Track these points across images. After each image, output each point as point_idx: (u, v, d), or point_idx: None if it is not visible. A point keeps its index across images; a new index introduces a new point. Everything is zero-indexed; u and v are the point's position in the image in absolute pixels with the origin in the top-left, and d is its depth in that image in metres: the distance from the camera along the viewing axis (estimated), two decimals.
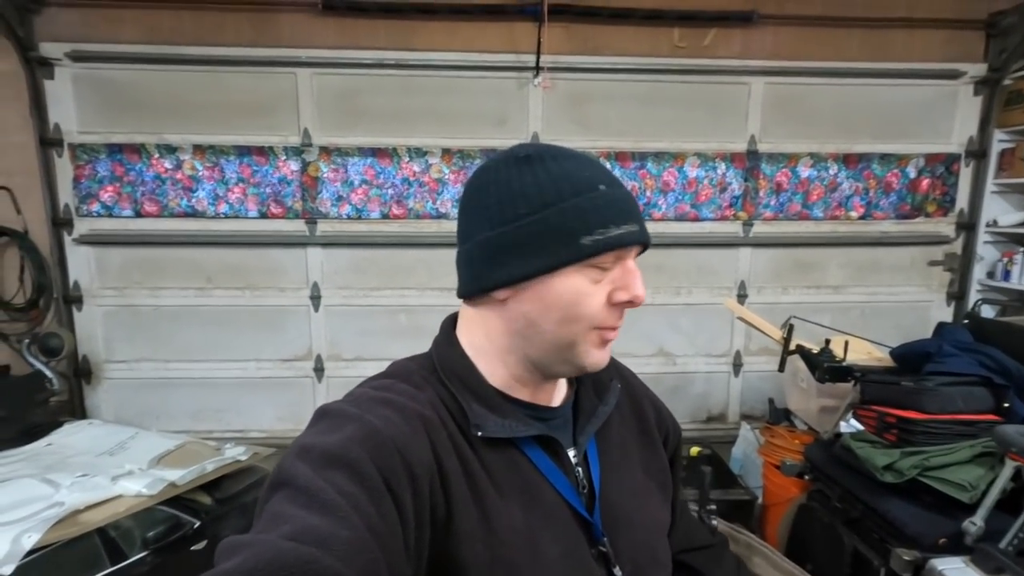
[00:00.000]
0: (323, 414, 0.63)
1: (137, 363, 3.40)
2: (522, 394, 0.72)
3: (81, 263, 3.29)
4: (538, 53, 3.11)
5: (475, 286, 0.69)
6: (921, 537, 1.67)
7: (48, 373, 2.99)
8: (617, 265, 0.66)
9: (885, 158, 3.42)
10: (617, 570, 0.71)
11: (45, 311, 3.26)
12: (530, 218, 0.63)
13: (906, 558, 1.64)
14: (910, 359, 2.11)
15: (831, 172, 3.42)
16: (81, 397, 3.39)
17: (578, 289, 0.64)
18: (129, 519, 1.80)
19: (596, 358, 0.69)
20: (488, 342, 0.71)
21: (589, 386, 0.80)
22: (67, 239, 3.26)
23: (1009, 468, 1.57)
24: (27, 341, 2.98)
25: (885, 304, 3.57)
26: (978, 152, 3.40)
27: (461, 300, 0.74)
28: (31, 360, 2.97)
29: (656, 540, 0.79)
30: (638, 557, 0.74)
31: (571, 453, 0.73)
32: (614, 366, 0.85)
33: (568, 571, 0.67)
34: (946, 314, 3.58)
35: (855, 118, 3.40)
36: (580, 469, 0.73)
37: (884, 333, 3.40)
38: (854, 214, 3.48)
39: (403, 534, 0.55)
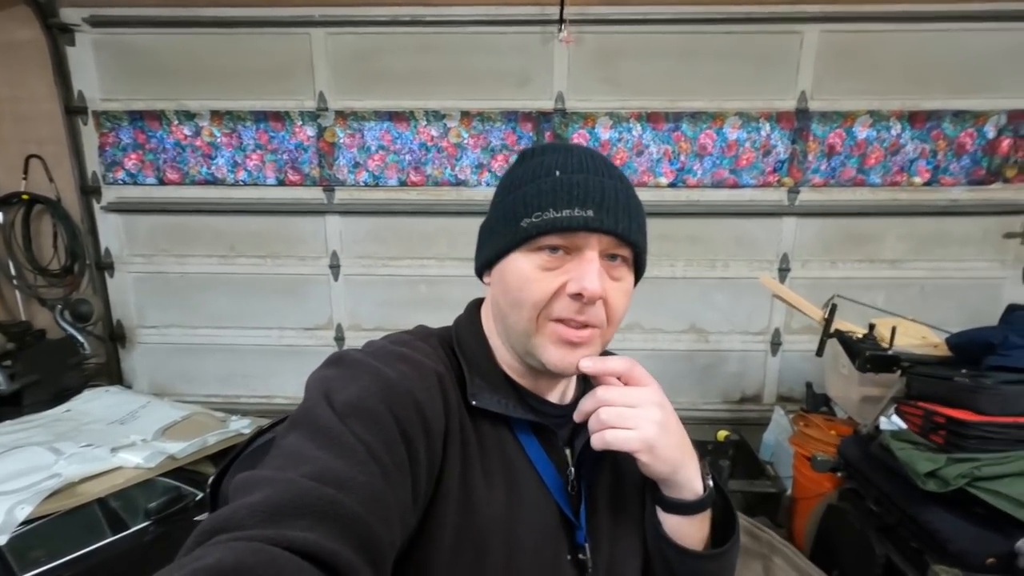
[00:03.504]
0: (340, 360, 0.62)
1: (167, 328, 3.49)
2: (524, 382, 0.71)
3: (111, 230, 3.36)
4: (561, 3, 2.86)
5: (475, 269, 0.74)
6: (966, 555, 1.47)
7: (80, 338, 3.09)
8: (575, 256, 0.63)
9: (959, 115, 3.01)
10: None
11: (80, 277, 3.37)
12: (498, 205, 0.68)
13: None
14: (969, 349, 1.85)
15: (893, 132, 3.05)
16: (117, 360, 3.52)
17: (522, 273, 0.64)
18: (130, 490, 1.83)
19: (555, 356, 0.65)
20: (489, 324, 0.73)
21: None
22: (96, 207, 3.32)
23: None
24: (59, 307, 3.08)
25: (949, 281, 3.22)
26: None
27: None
28: (64, 325, 3.08)
29: (637, 559, 0.75)
30: (616, 573, 0.72)
31: (567, 452, 0.73)
32: None
33: (540, 566, 0.66)
34: (1021, 293, 3.19)
35: (926, 70, 2.99)
36: (573, 470, 0.72)
37: (946, 313, 3.09)
38: (918, 180, 3.10)
39: (412, 485, 0.56)
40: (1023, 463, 1.49)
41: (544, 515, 0.68)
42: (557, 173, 0.63)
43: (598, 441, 0.63)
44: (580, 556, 0.70)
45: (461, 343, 0.71)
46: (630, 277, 0.68)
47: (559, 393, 0.74)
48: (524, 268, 0.64)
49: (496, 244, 0.66)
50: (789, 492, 2.47)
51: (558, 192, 0.62)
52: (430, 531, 0.61)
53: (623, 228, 0.62)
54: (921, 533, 1.61)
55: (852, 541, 1.83)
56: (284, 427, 0.56)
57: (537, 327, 0.64)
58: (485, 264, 0.70)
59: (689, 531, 0.68)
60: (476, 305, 0.77)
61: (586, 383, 0.76)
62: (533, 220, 0.62)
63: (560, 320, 0.64)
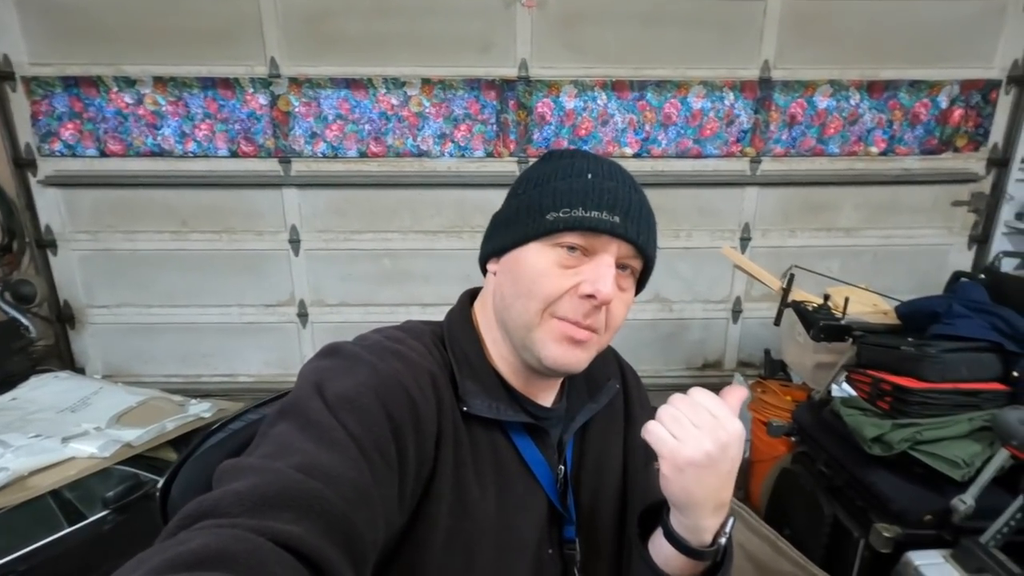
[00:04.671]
0: (334, 352, 0.62)
1: (119, 308, 3.35)
2: (516, 382, 0.71)
3: (51, 206, 3.17)
4: None
5: (479, 257, 0.74)
6: (905, 513, 1.56)
7: (24, 320, 2.94)
8: (593, 258, 0.65)
9: (915, 85, 3.07)
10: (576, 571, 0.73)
11: (19, 256, 3.18)
12: (520, 196, 0.68)
13: (886, 535, 1.54)
14: (916, 318, 1.93)
15: (852, 102, 3.08)
16: (68, 343, 3.38)
17: (537, 265, 0.64)
18: (86, 480, 1.77)
19: (554, 352, 0.65)
20: (485, 317, 0.73)
21: (582, 384, 0.79)
22: (32, 181, 3.12)
23: (1004, 455, 1.43)
24: None
25: (900, 248, 3.33)
26: (1022, 78, 3.03)
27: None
28: (5, 308, 2.92)
29: (610, 550, 0.78)
30: (598, 566, 0.75)
31: (557, 449, 0.74)
32: (618, 364, 0.84)
33: (527, 562, 0.68)
34: (966, 258, 3.34)
35: (886, 39, 3.01)
36: (563, 467, 0.74)
37: (897, 279, 3.21)
38: (874, 149, 3.17)
39: (400, 484, 0.56)
40: (959, 427, 1.58)
41: (535, 513, 0.69)
42: (590, 176, 0.64)
43: (643, 429, 0.61)
44: (567, 550, 0.72)
45: (452, 341, 0.70)
46: (633, 289, 0.71)
47: (549, 397, 0.75)
48: (540, 261, 0.64)
49: (513, 233, 0.66)
50: (747, 456, 2.58)
51: (589, 193, 0.63)
52: (421, 533, 0.61)
53: (643, 240, 0.65)
54: (866, 494, 1.70)
55: (803, 501, 1.92)
56: (272, 415, 0.56)
57: (540, 321, 0.65)
58: (493, 253, 0.70)
59: (676, 564, 0.67)
60: (470, 297, 0.76)
61: (571, 388, 0.77)
62: (560, 215, 0.62)
63: (564, 319, 0.65)
